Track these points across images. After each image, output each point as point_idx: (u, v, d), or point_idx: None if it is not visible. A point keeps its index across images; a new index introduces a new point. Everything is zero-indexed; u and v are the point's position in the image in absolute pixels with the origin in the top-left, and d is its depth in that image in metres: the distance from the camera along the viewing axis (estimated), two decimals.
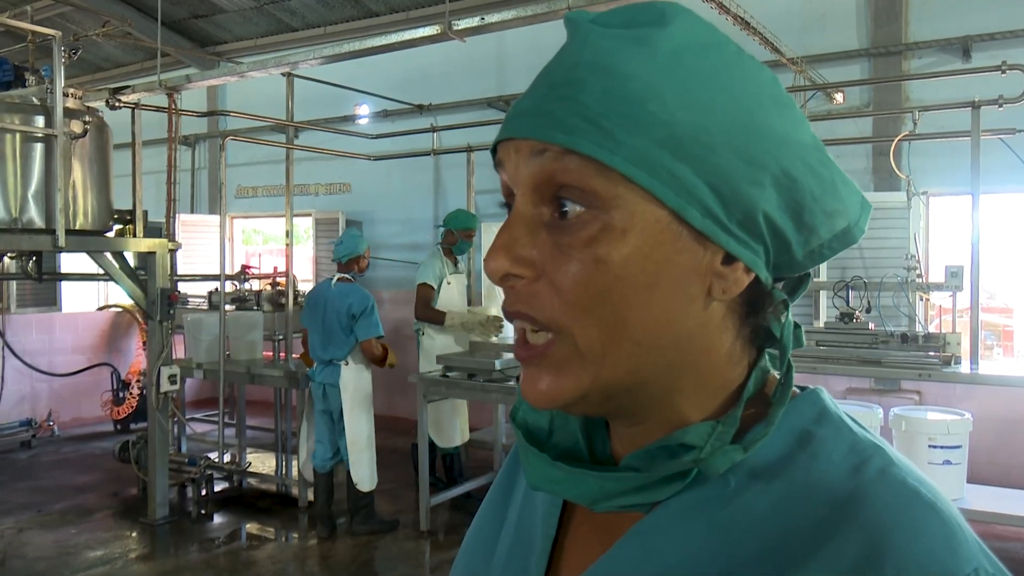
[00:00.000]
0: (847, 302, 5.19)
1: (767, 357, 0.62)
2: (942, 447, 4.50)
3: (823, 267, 5.78)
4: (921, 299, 5.59)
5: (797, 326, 0.61)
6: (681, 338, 0.56)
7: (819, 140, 0.58)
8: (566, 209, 0.55)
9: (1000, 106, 4.99)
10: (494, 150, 0.60)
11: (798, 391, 0.62)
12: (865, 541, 0.50)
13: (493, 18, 4.53)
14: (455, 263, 5.82)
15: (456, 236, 5.69)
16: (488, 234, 6.88)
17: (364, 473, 5.00)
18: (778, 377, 0.60)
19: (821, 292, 5.84)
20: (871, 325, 5.07)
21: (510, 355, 5.13)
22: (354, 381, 4.98)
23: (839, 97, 6.26)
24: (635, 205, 0.54)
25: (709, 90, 0.54)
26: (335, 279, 5.10)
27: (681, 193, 0.53)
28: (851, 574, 0.49)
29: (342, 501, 5.21)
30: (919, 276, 5.24)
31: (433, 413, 5.48)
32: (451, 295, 5.69)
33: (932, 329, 5.57)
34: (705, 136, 0.53)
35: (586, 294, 0.54)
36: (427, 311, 5.56)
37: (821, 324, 5.58)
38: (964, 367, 4.66)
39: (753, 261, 0.56)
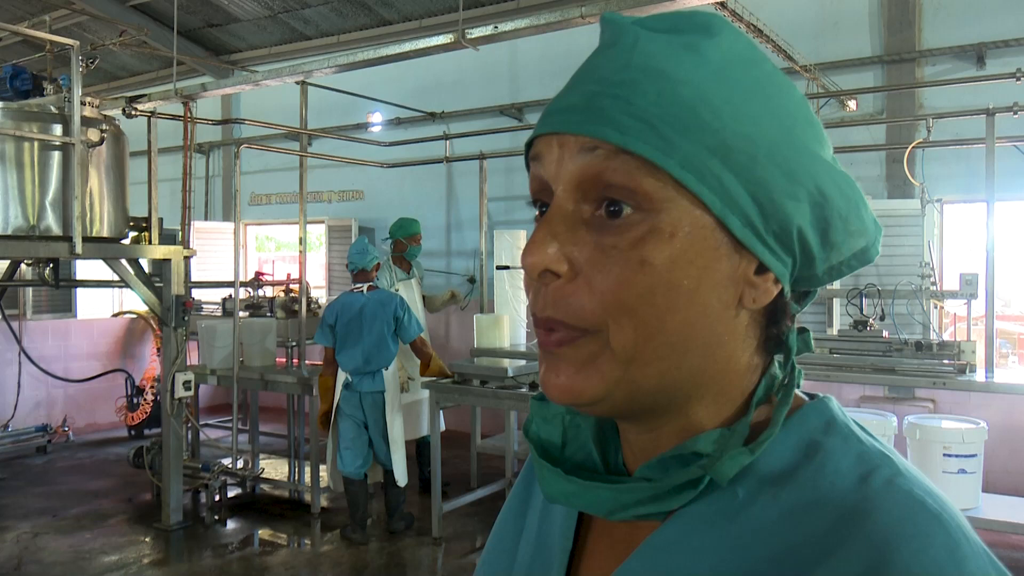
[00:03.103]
0: (861, 310, 5.16)
1: (777, 364, 0.63)
2: (957, 456, 4.47)
3: None
4: (935, 307, 5.55)
5: (803, 330, 0.62)
6: (711, 344, 0.57)
7: (838, 161, 0.60)
8: (613, 209, 0.55)
9: (1015, 113, 4.96)
10: (529, 144, 0.60)
11: (807, 399, 0.62)
12: (870, 553, 0.49)
13: (506, 27, 4.54)
14: (408, 270, 6.08)
15: (405, 244, 6.01)
16: (500, 241, 6.88)
17: (401, 469, 5.11)
18: (782, 380, 0.61)
19: (835, 300, 5.82)
20: (885, 333, 5.04)
21: (522, 362, 5.14)
22: (393, 384, 5.13)
23: (852, 104, 6.24)
24: (683, 209, 0.54)
25: (755, 103, 0.55)
26: (365, 288, 5.14)
27: (726, 200, 0.54)
28: None
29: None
30: (933, 284, 5.21)
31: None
32: None
33: (947, 337, 5.53)
34: (751, 147, 0.54)
35: (628, 295, 0.54)
36: None
37: (835, 332, 5.55)
38: (979, 375, 4.63)
39: (783, 273, 0.58)
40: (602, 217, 0.55)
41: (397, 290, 5.90)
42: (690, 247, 0.54)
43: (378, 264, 5.30)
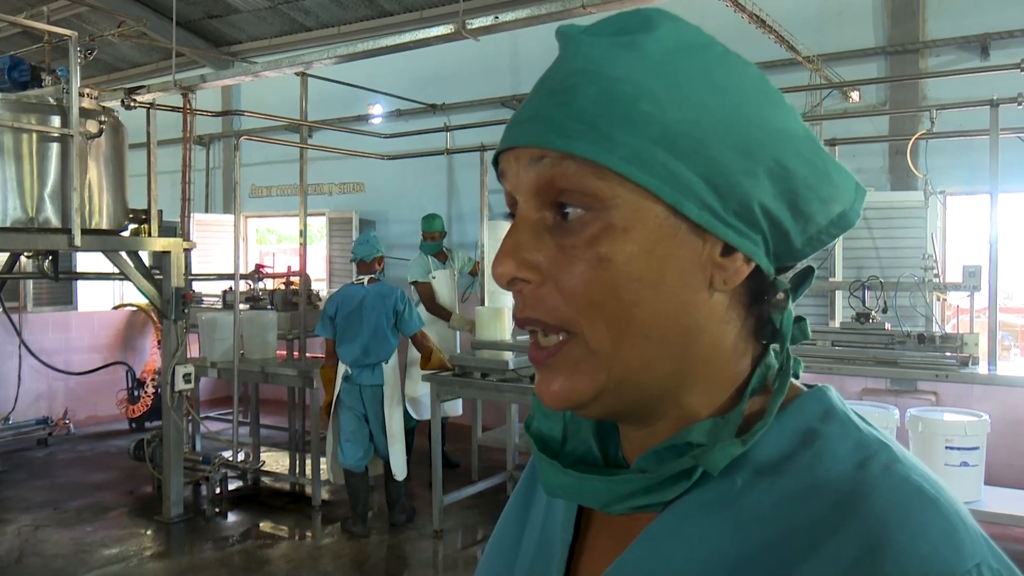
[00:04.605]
0: (863, 302, 5.15)
1: (772, 353, 0.63)
2: (959, 448, 4.46)
3: (839, 267, 5.73)
4: (938, 299, 5.53)
5: (800, 318, 0.62)
6: (688, 330, 0.58)
7: (810, 131, 0.60)
8: (567, 212, 0.57)
9: (1019, 104, 4.93)
10: (496, 161, 0.62)
11: (805, 389, 0.62)
12: (866, 537, 0.50)
13: (507, 17, 4.51)
14: (444, 260, 6.55)
15: (424, 238, 6.40)
16: (502, 233, 6.87)
17: (400, 463, 5.11)
18: (778, 367, 0.61)
19: (837, 292, 5.80)
20: (887, 325, 5.03)
21: (524, 357, 5.12)
22: (393, 377, 5.13)
23: (855, 95, 6.21)
24: (634, 203, 0.55)
25: (699, 88, 0.56)
26: (366, 280, 5.12)
27: (677, 188, 0.55)
28: (852, 569, 0.49)
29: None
30: (936, 276, 5.19)
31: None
32: (437, 287, 6.34)
33: (949, 329, 5.51)
34: (697, 131, 0.55)
35: (593, 293, 0.56)
36: (434, 306, 6.21)
37: (837, 324, 5.54)
38: (982, 368, 4.62)
39: (752, 250, 0.58)
40: (561, 221, 0.57)
41: (435, 278, 6.31)
42: (647, 239, 0.55)
43: (382, 257, 5.28)
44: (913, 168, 5.42)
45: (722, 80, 0.56)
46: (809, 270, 0.64)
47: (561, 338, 0.58)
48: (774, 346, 0.63)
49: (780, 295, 0.62)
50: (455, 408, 6.32)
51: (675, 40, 0.57)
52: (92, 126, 4.93)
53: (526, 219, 0.59)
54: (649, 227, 0.55)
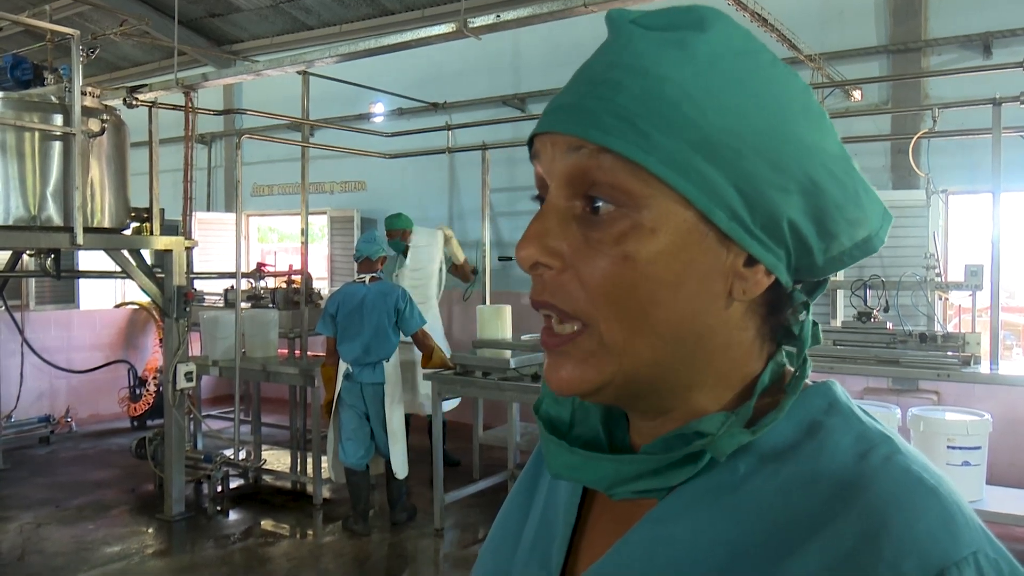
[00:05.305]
0: (865, 301, 5.14)
1: (783, 352, 0.64)
2: (961, 448, 4.45)
3: None
4: (940, 298, 5.52)
5: (815, 324, 0.63)
6: (702, 334, 0.58)
7: (846, 151, 0.59)
8: (598, 205, 0.57)
9: (1021, 103, 4.92)
10: (531, 142, 0.62)
11: (810, 384, 0.63)
12: (865, 523, 0.51)
13: (509, 16, 4.51)
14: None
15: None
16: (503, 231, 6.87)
17: (401, 461, 5.10)
18: (793, 371, 0.62)
19: (839, 291, 5.79)
20: (889, 324, 5.02)
21: (525, 355, 5.12)
22: (394, 376, 5.12)
23: (857, 94, 6.20)
24: (665, 205, 0.55)
25: (742, 96, 0.56)
26: (367, 278, 5.12)
27: (710, 195, 0.55)
28: (850, 555, 0.50)
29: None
30: (938, 275, 5.18)
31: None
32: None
33: (951, 329, 5.50)
34: (736, 141, 0.55)
35: (613, 289, 0.56)
36: None
37: (838, 323, 5.53)
38: (983, 367, 4.61)
39: (774, 265, 0.58)
40: (590, 213, 0.57)
41: (397, 276, 6.14)
42: (673, 242, 0.56)
43: (383, 257, 5.29)
44: (915, 167, 5.41)
45: (766, 91, 0.56)
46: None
47: (576, 328, 0.58)
48: (788, 348, 0.64)
49: (797, 306, 0.62)
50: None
51: (725, 44, 0.57)
52: (94, 125, 4.93)
53: (555, 206, 0.59)
54: (677, 231, 0.55)
